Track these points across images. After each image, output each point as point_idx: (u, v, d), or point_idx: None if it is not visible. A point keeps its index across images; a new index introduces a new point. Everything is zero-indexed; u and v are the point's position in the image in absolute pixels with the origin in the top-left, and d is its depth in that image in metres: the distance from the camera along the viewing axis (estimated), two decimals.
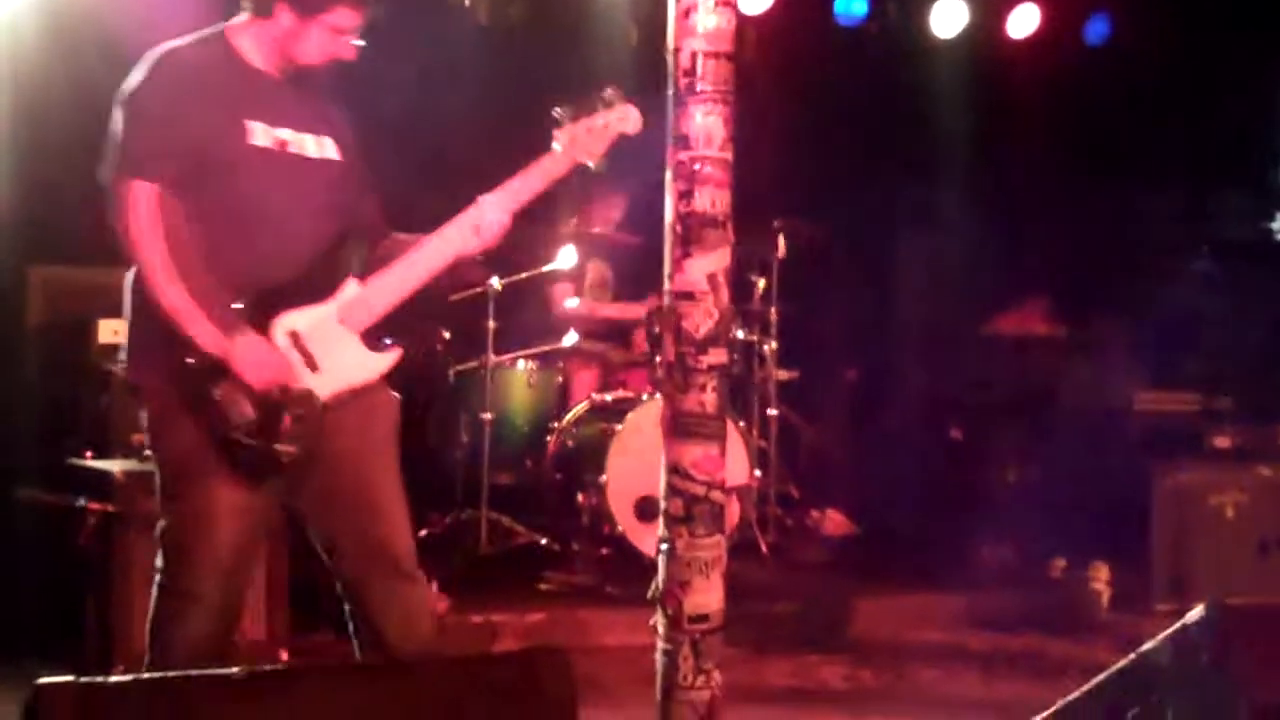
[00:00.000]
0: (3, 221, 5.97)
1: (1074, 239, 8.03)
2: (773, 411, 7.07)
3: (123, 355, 3.74)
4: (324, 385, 3.67)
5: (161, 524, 3.66)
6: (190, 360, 3.53)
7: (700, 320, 3.49)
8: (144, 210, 3.52)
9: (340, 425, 3.70)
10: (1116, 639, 5.76)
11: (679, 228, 3.46)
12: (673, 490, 3.52)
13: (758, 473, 6.64)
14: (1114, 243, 8.18)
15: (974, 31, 8.19)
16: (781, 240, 6.91)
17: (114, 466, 4.83)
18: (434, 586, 5.24)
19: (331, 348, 3.69)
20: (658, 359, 6.62)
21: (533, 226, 6.71)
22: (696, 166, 3.44)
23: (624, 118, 3.83)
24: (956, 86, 8.26)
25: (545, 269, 6.57)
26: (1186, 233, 8.74)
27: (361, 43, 3.76)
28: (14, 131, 6.07)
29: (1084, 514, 6.66)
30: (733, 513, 6.42)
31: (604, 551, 6.34)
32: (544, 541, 6.48)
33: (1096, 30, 8.45)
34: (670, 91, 3.51)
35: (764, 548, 6.73)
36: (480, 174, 3.88)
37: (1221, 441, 6.70)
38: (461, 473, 6.69)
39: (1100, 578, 6.53)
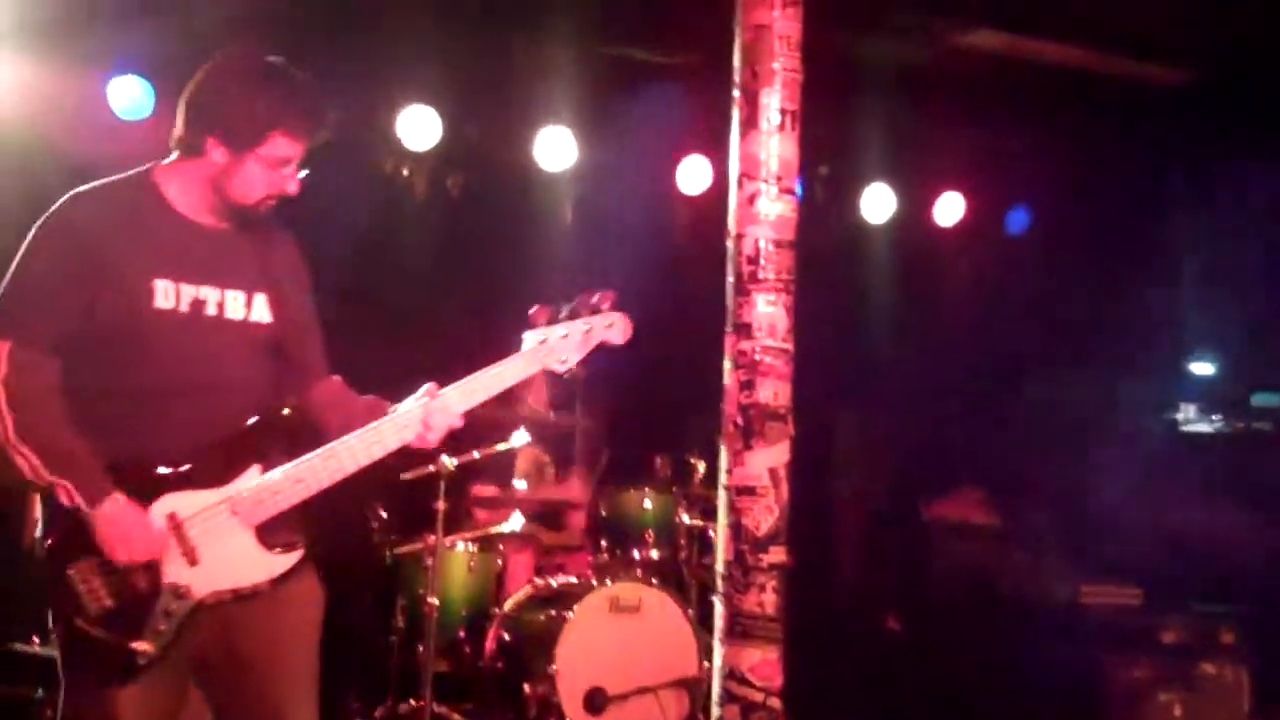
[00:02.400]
0: None
1: (1001, 427, 8.04)
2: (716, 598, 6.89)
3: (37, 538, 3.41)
4: (201, 581, 3.32)
5: None
6: (49, 541, 3.26)
7: (760, 517, 3.35)
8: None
9: (242, 625, 3.40)
10: None
11: (740, 420, 3.34)
12: (729, 696, 3.34)
13: (705, 664, 6.41)
14: (1037, 433, 8.20)
15: (903, 217, 8.27)
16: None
17: None
18: None
19: (217, 540, 3.33)
20: (602, 543, 6.54)
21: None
22: (758, 357, 3.33)
23: (611, 326, 3.57)
24: (887, 270, 8.31)
25: (500, 448, 6.34)
26: (1100, 423, 8.80)
27: (304, 174, 3.48)
28: None
29: (1030, 711, 6.55)
30: (683, 706, 6.26)
31: None
32: None
33: (1017, 220, 8.59)
34: (730, 279, 3.40)
35: None
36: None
37: (1168, 637, 6.66)
38: (396, 660, 6.38)
39: None
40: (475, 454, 6.21)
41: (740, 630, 3.32)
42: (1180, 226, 8.47)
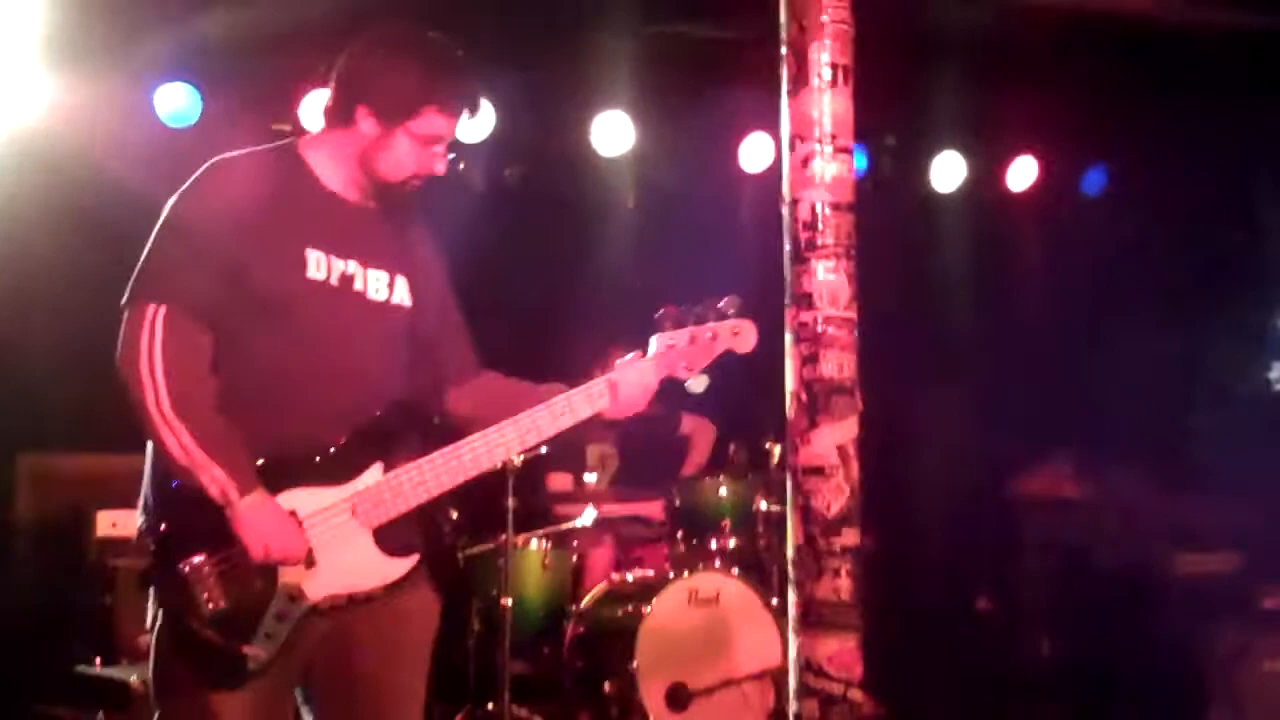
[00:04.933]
0: None
1: (1085, 394, 7.78)
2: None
3: (139, 518, 3.21)
4: (316, 584, 3.16)
5: None
6: (164, 527, 3.05)
7: (831, 497, 3.13)
8: (149, 333, 3.04)
9: (361, 637, 3.24)
10: None
11: (803, 395, 3.13)
12: (806, 690, 3.13)
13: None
14: (1124, 400, 7.93)
15: (973, 185, 8.03)
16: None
17: (128, 674, 4.39)
18: None
19: (335, 542, 3.18)
20: (678, 534, 6.37)
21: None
22: (821, 328, 3.13)
23: (737, 334, 3.46)
24: (958, 240, 8.09)
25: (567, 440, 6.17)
26: (1188, 386, 8.52)
27: (453, 157, 3.36)
28: None
29: (1130, 684, 6.33)
30: (768, 698, 6.07)
31: None
32: None
33: (1094, 181, 8.33)
34: (787, 247, 3.21)
35: None
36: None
37: (1271, 602, 6.40)
38: (474, 663, 6.24)
39: None
40: (543, 447, 6.05)
41: (815, 619, 3.10)
42: (1263, 180, 8.18)
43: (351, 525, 3.19)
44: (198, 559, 3.06)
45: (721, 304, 3.48)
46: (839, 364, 3.13)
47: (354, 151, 3.29)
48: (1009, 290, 8.19)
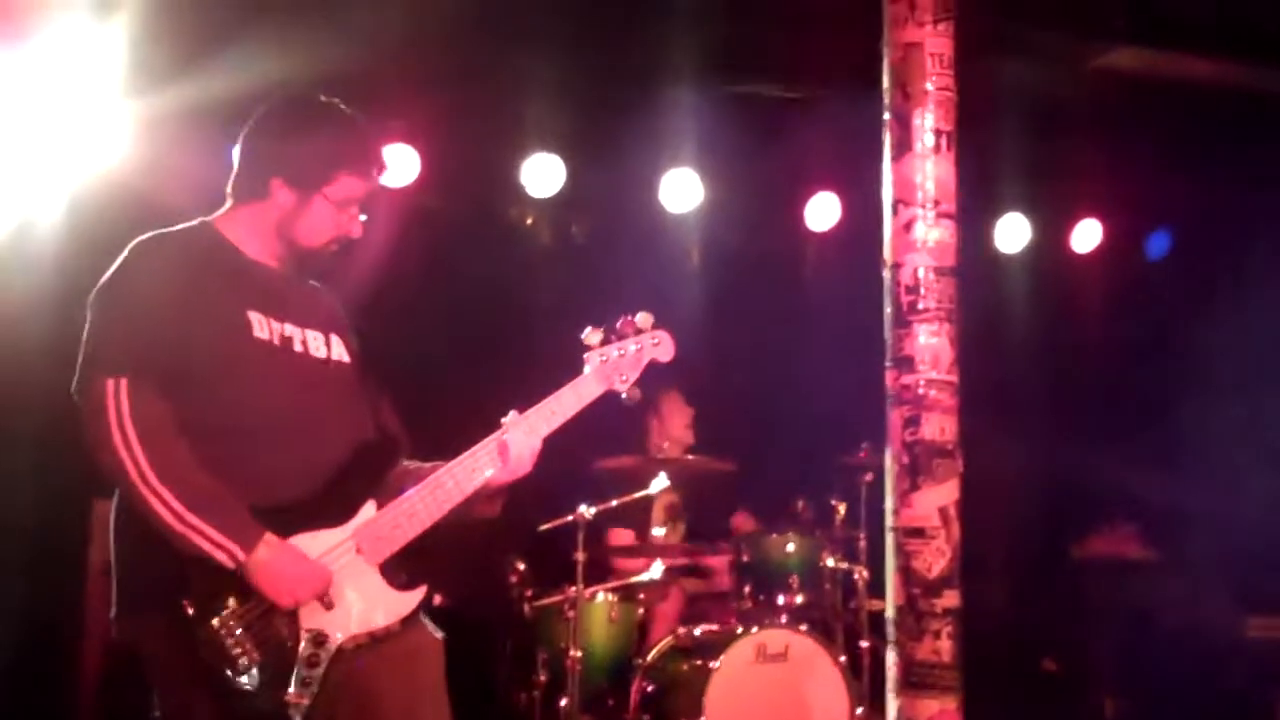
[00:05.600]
0: (62, 448, 5.57)
1: (1150, 458, 7.75)
2: (865, 644, 6.66)
3: (112, 609, 3.21)
4: (339, 626, 3.18)
5: None
6: (187, 602, 3.02)
7: (932, 559, 3.16)
8: (114, 407, 3.01)
9: (378, 679, 3.23)
10: None
11: (905, 458, 3.16)
12: None
13: (858, 711, 6.19)
14: (1187, 461, 7.91)
15: (1038, 246, 8.06)
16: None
17: None
18: None
19: (348, 581, 3.21)
20: (745, 589, 6.36)
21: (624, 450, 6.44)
22: (923, 391, 3.16)
23: (657, 344, 3.62)
24: (1023, 301, 8.10)
25: (638, 495, 6.20)
26: (1250, 449, 8.48)
27: (365, 218, 3.40)
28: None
29: None
30: None
31: None
32: None
33: (1158, 245, 8.34)
34: (888, 310, 3.24)
35: None
36: None
37: None
38: (539, 716, 6.25)
39: None
40: (614, 501, 6.09)
41: (917, 680, 3.12)
42: None
43: (358, 563, 3.23)
44: (222, 616, 3.06)
45: (637, 319, 3.62)
46: (941, 427, 3.16)
47: (271, 223, 3.34)
48: (1072, 351, 8.18)
